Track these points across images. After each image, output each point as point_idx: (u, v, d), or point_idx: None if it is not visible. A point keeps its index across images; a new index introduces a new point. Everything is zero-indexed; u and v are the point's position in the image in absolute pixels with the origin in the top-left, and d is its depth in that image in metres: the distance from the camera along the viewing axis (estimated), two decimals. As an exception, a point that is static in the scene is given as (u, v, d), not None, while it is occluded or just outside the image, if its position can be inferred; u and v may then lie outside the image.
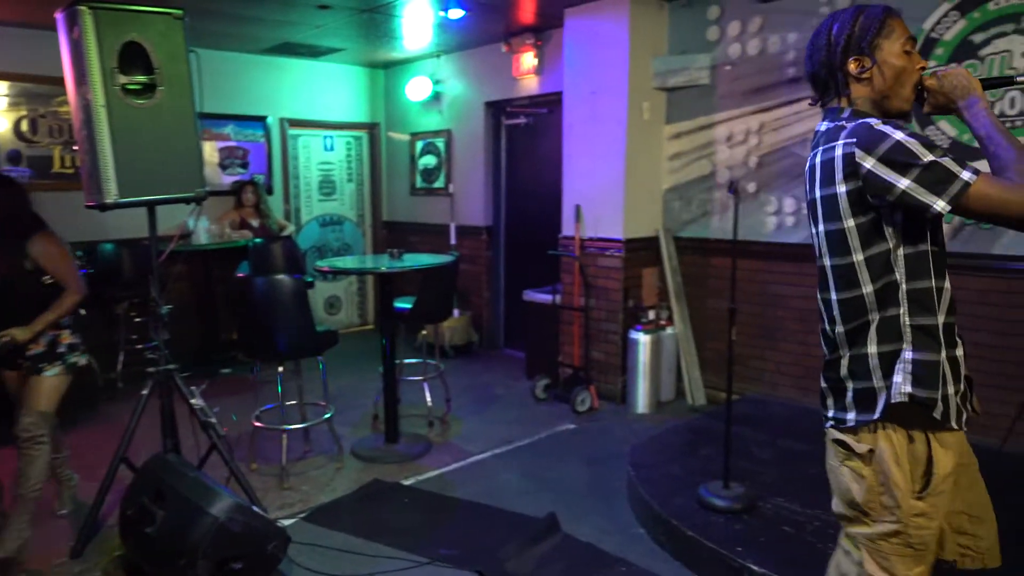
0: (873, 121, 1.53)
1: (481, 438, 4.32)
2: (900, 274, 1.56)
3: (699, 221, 4.90)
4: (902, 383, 1.53)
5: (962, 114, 1.58)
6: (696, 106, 4.83)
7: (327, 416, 3.97)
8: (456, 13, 4.95)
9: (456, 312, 6.23)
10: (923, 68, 1.65)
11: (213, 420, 3.14)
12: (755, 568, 2.61)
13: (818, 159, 1.62)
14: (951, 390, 1.55)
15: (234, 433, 4.11)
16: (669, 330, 4.86)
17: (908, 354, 1.55)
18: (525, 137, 6.19)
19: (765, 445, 3.76)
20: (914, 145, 1.46)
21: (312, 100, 6.88)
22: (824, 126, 1.67)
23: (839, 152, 1.54)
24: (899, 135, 1.48)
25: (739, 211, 4.54)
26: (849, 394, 1.63)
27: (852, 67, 1.63)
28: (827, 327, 1.69)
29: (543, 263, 5.48)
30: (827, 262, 1.64)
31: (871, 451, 1.58)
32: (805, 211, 2.96)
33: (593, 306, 5.01)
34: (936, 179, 1.44)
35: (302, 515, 3.35)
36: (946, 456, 1.55)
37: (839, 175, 1.55)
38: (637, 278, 4.92)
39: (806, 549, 2.73)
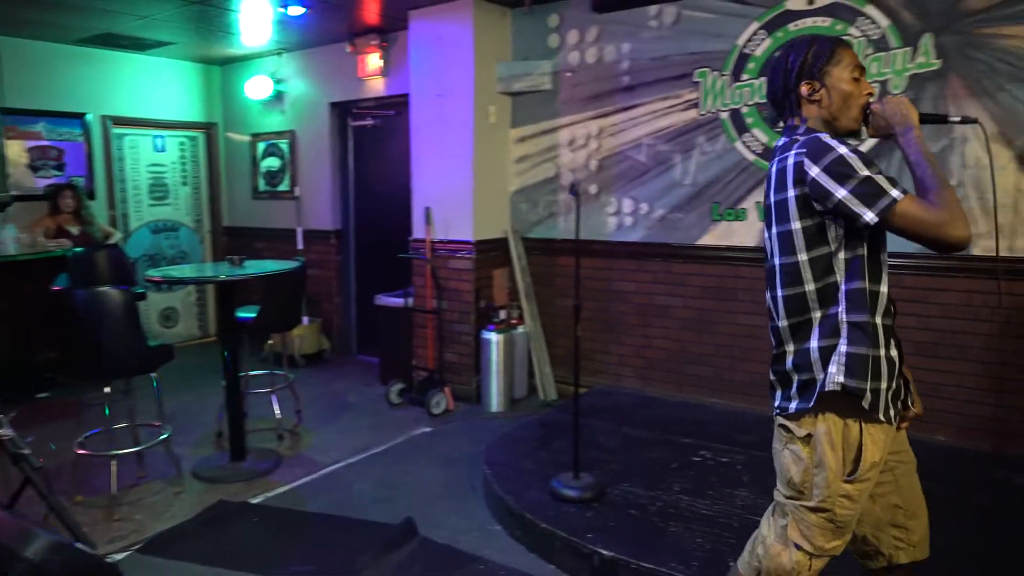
0: (824, 136, 1.70)
1: (334, 448, 4.21)
2: (840, 275, 1.71)
3: (545, 222, 5.07)
4: (836, 373, 1.68)
5: (898, 139, 1.74)
6: (540, 111, 4.99)
7: (163, 437, 3.70)
8: (296, 10, 4.79)
9: (305, 319, 6.02)
10: (870, 94, 1.81)
11: (26, 451, 2.82)
12: (604, 552, 2.74)
13: (774, 168, 1.78)
14: (883, 385, 1.69)
15: (54, 464, 3.72)
16: (520, 329, 4.98)
17: (843, 347, 1.69)
18: (373, 139, 6.10)
19: (612, 434, 3.95)
20: (854, 160, 1.62)
21: (139, 97, 6.38)
22: (782, 141, 1.83)
23: (791, 161, 1.70)
24: (843, 149, 1.64)
25: (581, 212, 4.77)
26: (794, 385, 1.77)
27: (804, 90, 1.80)
28: (774, 322, 1.83)
29: (395, 266, 5.43)
30: (776, 261, 1.80)
31: (809, 435, 1.73)
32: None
33: (446, 308, 5.03)
34: (869, 192, 1.60)
35: (136, 547, 3.10)
36: (874, 446, 1.70)
37: (790, 181, 1.70)
38: (488, 279, 5.01)
39: (651, 529, 2.90)
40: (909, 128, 1.71)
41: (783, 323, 1.79)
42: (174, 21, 5.14)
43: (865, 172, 1.61)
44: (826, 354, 1.71)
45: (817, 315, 1.74)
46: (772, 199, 1.78)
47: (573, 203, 3.25)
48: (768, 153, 4.12)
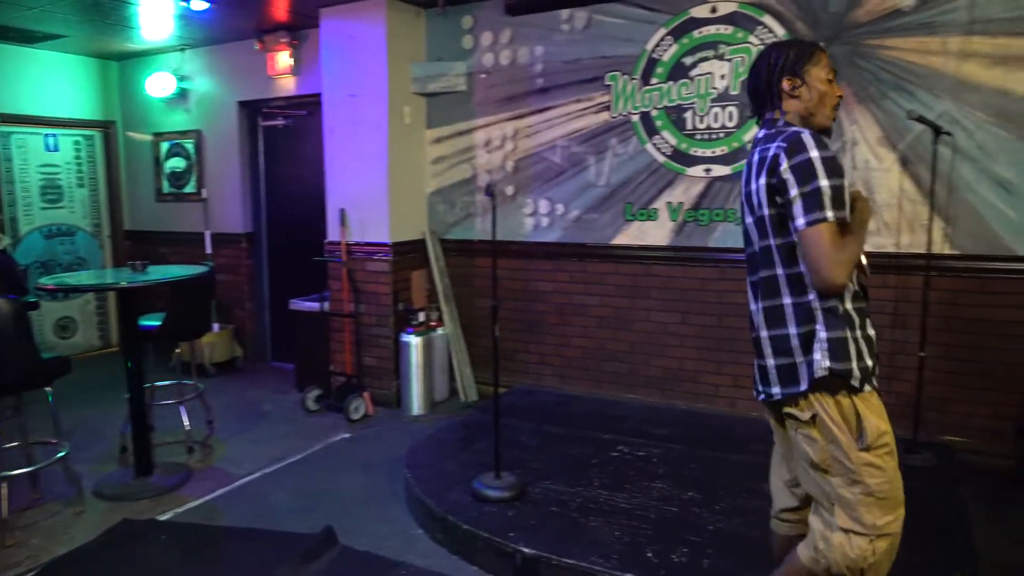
0: (804, 133, 1.78)
1: (249, 459, 4.07)
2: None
3: (463, 223, 5.07)
4: (821, 359, 1.77)
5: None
6: (455, 112, 4.99)
7: (60, 455, 3.48)
8: (200, 5, 4.60)
9: (216, 326, 5.80)
10: (841, 96, 1.94)
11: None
12: (526, 550, 2.77)
13: (755, 157, 1.88)
14: (868, 363, 1.80)
15: (-64, 488, 3.44)
16: (440, 331, 4.96)
17: (822, 333, 1.79)
18: (285, 139, 5.94)
19: (533, 433, 3.99)
20: (819, 165, 1.72)
21: (29, 93, 5.98)
22: (762, 133, 1.94)
23: (771, 152, 1.81)
24: (814, 153, 1.73)
25: (498, 213, 4.80)
26: (772, 371, 1.88)
27: (786, 85, 1.91)
28: (752, 306, 1.95)
29: (310, 270, 5.30)
30: (756, 247, 1.90)
31: (814, 416, 1.81)
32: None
33: (363, 311, 4.95)
34: (813, 201, 1.71)
35: (32, 574, 2.91)
36: (872, 413, 1.80)
37: (766, 169, 1.81)
38: (406, 281, 4.96)
39: (572, 525, 2.95)
40: (861, 225, 1.82)
41: (758, 306, 1.92)
42: (66, 12, 4.84)
43: (823, 182, 1.71)
44: (806, 340, 1.81)
45: (789, 300, 1.84)
46: (752, 186, 1.88)
47: (490, 204, 3.27)
48: (677, 155, 4.26)
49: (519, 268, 4.87)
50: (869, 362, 1.80)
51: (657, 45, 4.25)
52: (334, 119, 4.94)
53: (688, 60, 4.17)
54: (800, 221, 1.73)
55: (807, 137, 1.76)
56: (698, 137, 4.20)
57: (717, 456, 3.62)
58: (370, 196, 4.83)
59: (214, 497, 3.61)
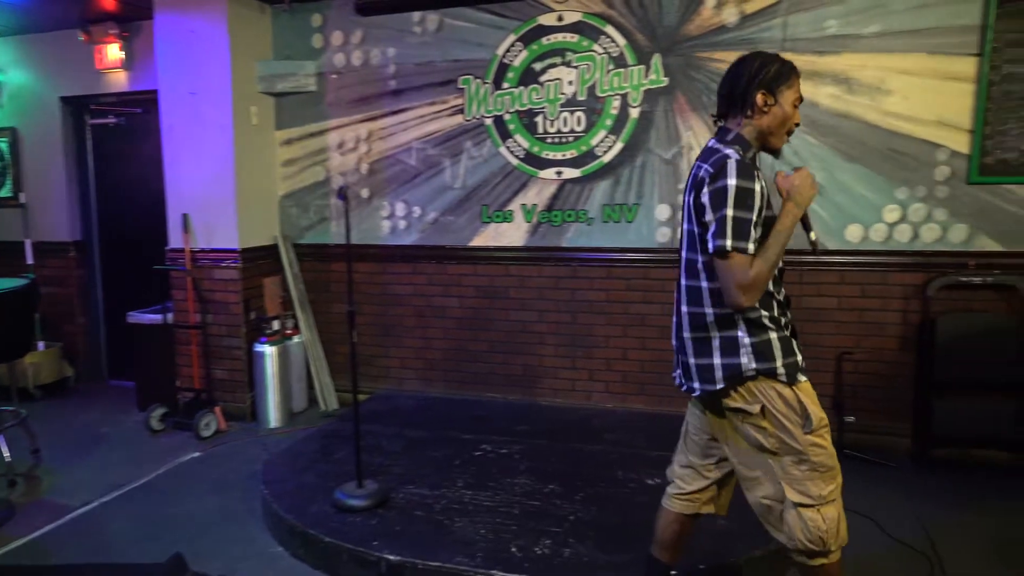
0: (732, 160, 1.87)
1: (84, 488, 3.73)
2: None
3: (317, 227, 4.93)
4: (748, 362, 1.94)
5: (785, 203, 1.93)
6: (306, 113, 4.84)
7: None
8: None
9: (41, 344, 5.27)
10: (798, 124, 2.03)
11: None
12: (391, 558, 2.74)
13: (694, 172, 1.99)
14: (796, 358, 1.96)
15: None
16: (296, 339, 4.80)
17: (746, 339, 1.94)
18: (118, 139, 5.48)
19: (395, 438, 3.96)
20: (732, 195, 1.84)
21: None
22: (712, 143, 2.04)
23: (701, 174, 1.93)
24: (732, 182, 1.84)
25: (352, 216, 4.73)
26: (693, 369, 2.04)
27: (759, 99, 1.97)
28: (681, 307, 2.06)
29: (150, 280, 4.93)
30: (684, 255, 2.05)
31: (763, 409, 1.95)
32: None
33: (211, 322, 4.68)
34: (721, 227, 1.85)
35: None
36: (811, 400, 1.95)
37: (695, 187, 1.94)
38: (258, 288, 4.75)
39: (436, 527, 2.95)
40: (798, 207, 1.94)
41: (684, 309, 2.05)
42: None
43: (730, 211, 1.84)
44: (727, 344, 1.97)
45: (711, 311, 1.98)
46: (688, 199, 2.00)
47: (344, 207, 3.20)
48: (530, 158, 4.38)
49: (377, 272, 4.80)
50: (797, 358, 1.97)
51: (508, 50, 4.35)
52: (173, 118, 4.64)
53: (538, 66, 4.30)
54: (709, 245, 1.89)
55: (732, 164, 1.86)
56: (549, 141, 4.34)
57: (575, 448, 3.76)
58: (216, 200, 4.58)
59: (43, 533, 3.28)
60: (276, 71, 4.73)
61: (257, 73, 4.71)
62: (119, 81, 5.20)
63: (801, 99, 2.05)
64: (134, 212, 5.44)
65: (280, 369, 4.60)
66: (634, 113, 4.16)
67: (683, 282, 2.06)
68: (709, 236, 1.88)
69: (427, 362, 4.79)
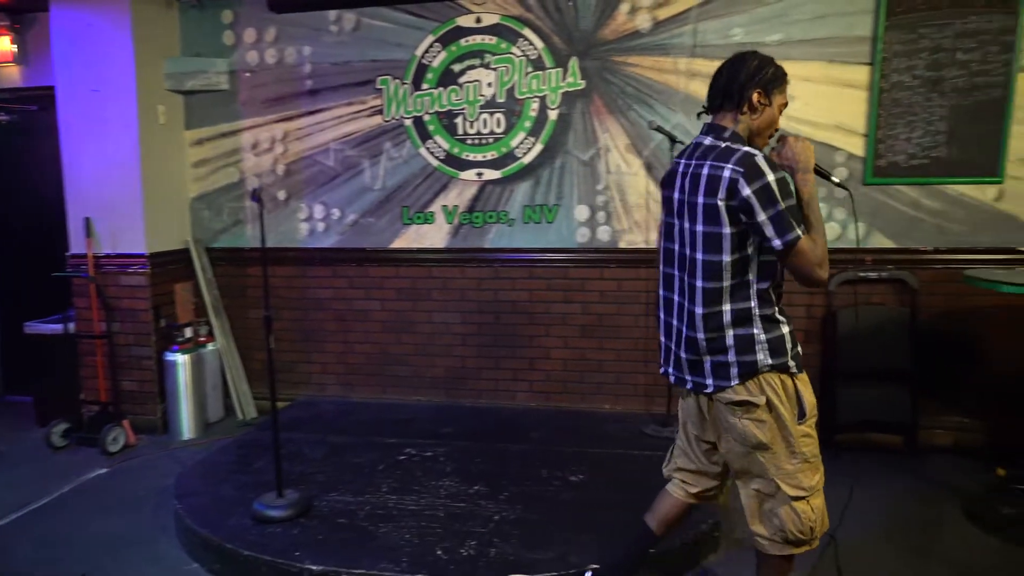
0: (759, 157, 1.93)
1: (-23, 511, 3.50)
2: (753, 275, 2.01)
3: (232, 230, 4.77)
4: (764, 359, 2.00)
5: (795, 176, 1.99)
6: (218, 112, 4.67)
7: None
8: None
9: (-74, 359, 4.89)
10: (777, 129, 2.12)
11: None
12: (313, 568, 2.69)
13: (705, 171, 1.99)
14: (799, 350, 2.07)
15: None
16: (210, 346, 4.63)
17: (762, 336, 2.01)
18: (9, 138, 5.14)
19: (317, 445, 3.88)
20: (777, 189, 1.90)
21: None
22: (708, 140, 2.06)
23: (727, 175, 1.93)
24: (771, 177, 1.90)
25: (268, 219, 4.61)
26: (707, 367, 2.07)
27: (755, 97, 2.03)
28: (691, 307, 2.08)
29: (50, 288, 4.65)
30: (700, 256, 2.03)
31: (768, 400, 2.01)
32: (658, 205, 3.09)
33: (118, 331, 4.46)
34: (782, 223, 1.90)
35: None
36: (807, 390, 2.05)
37: (722, 192, 1.94)
38: (168, 295, 4.56)
39: (360, 534, 2.91)
40: (807, 171, 2.01)
41: (700, 311, 2.05)
42: None
43: (782, 204, 1.90)
44: (743, 342, 2.02)
45: (728, 308, 2.02)
46: (700, 200, 2.00)
47: (259, 209, 3.11)
48: (451, 160, 4.38)
49: (296, 275, 4.69)
50: (800, 349, 2.07)
51: (426, 51, 4.33)
52: (73, 116, 4.39)
53: (456, 67, 4.30)
54: (777, 243, 1.92)
55: (762, 161, 1.92)
56: (469, 142, 4.35)
57: (500, 448, 3.79)
58: (121, 203, 4.36)
59: (-70, 563, 3.05)
60: (185, 68, 4.55)
61: (164, 70, 4.52)
62: (11, 76, 4.88)
63: (786, 104, 2.12)
64: (29, 216, 5.11)
65: (194, 378, 4.43)
66: (552, 115, 4.22)
67: (698, 283, 2.05)
68: (771, 234, 1.92)
69: (349, 367, 4.71)
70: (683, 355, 2.13)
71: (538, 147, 4.26)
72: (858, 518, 3.22)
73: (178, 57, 4.61)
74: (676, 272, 2.16)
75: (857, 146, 3.89)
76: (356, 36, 4.42)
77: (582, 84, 4.16)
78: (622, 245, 4.22)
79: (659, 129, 3.74)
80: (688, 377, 2.15)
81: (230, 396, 4.72)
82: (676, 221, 2.14)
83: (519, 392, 4.48)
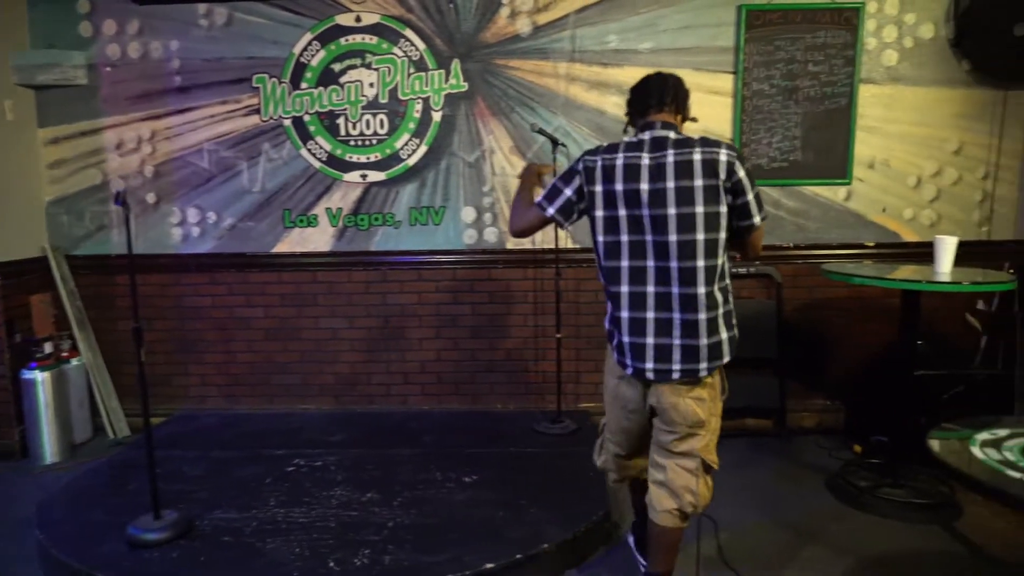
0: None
1: None
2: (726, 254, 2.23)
3: (96, 236, 4.45)
4: (735, 332, 2.25)
5: None
6: (76, 109, 4.34)
7: None
8: None
9: None
10: None
11: None
12: (196, 590, 2.57)
13: (697, 156, 2.14)
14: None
15: None
16: (75, 361, 4.30)
17: (731, 309, 2.26)
18: None
19: (197, 461, 3.70)
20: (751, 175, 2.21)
21: None
22: (672, 134, 2.21)
23: (724, 158, 2.13)
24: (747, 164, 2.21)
25: (137, 223, 4.35)
26: (703, 349, 2.18)
27: (688, 112, 2.35)
28: (681, 290, 2.16)
29: None
30: (699, 236, 2.14)
31: (712, 384, 2.26)
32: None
33: (-35, 349, 4.07)
34: (760, 202, 2.21)
35: None
36: (725, 376, 2.33)
37: (723, 174, 2.13)
38: (23, 307, 4.19)
39: (247, 552, 2.80)
40: None
41: (701, 290, 2.15)
42: None
43: (756, 188, 2.22)
44: (729, 318, 2.25)
45: (719, 286, 2.19)
46: (700, 183, 2.13)
47: (129, 214, 2.92)
48: (333, 161, 4.28)
49: (170, 283, 4.44)
50: None
51: (305, 49, 4.21)
52: (-101, 113, 3.95)
53: (337, 67, 4.21)
54: (758, 220, 2.21)
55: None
56: (352, 143, 4.27)
57: (393, 453, 3.75)
58: (-37, 208, 3.97)
59: None
60: (35, 61, 4.20)
61: (11, 62, 4.14)
62: None
63: None
64: None
65: (56, 397, 4.10)
66: (436, 117, 4.22)
67: (699, 264, 2.14)
68: (754, 211, 2.20)
69: (231, 377, 4.52)
70: (677, 342, 2.18)
71: (423, 149, 4.25)
72: (735, 500, 3.45)
73: (28, 50, 4.24)
74: (650, 263, 2.18)
75: (725, 149, 4.15)
76: (229, 31, 4.23)
77: (465, 86, 4.19)
78: (509, 246, 4.28)
79: (541, 132, 3.82)
80: (676, 367, 2.19)
81: (99, 414, 4.41)
82: (644, 211, 2.17)
83: (411, 396, 4.45)
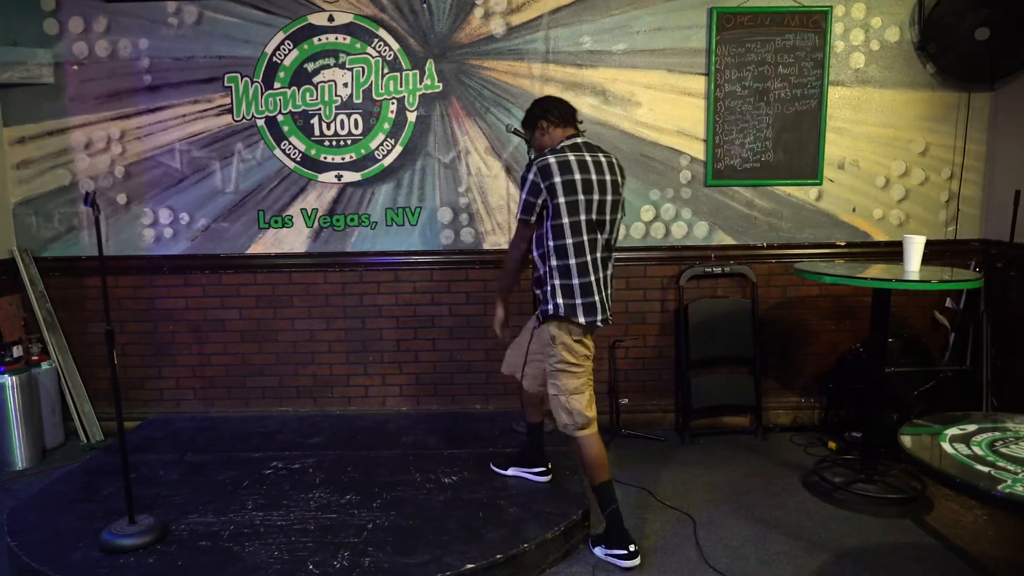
0: None
1: None
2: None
3: (65, 238, 4.37)
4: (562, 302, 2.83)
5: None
6: (43, 108, 4.26)
7: None
8: None
9: None
10: None
11: None
12: (173, 597, 2.55)
13: (613, 160, 2.91)
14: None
15: None
16: (45, 365, 4.22)
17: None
18: None
19: (173, 465, 3.66)
20: None
21: None
22: (583, 141, 2.90)
23: (616, 163, 2.94)
24: None
25: (108, 225, 4.29)
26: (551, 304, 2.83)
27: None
28: (611, 255, 2.94)
29: None
30: (617, 217, 2.93)
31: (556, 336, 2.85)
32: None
33: (-70, 354, 3.97)
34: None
35: None
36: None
37: (620, 173, 2.94)
38: (-9, 312, 4.12)
39: (225, 556, 2.78)
40: None
41: (610, 271, 2.93)
42: None
43: None
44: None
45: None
46: (618, 178, 2.89)
47: (99, 216, 2.88)
48: (308, 161, 4.25)
49: (143, 285, 4.38)
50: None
51: (277, 49, 4.17)
52: None
53: (310, 66, 4.18)
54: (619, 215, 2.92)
55: None
56: (327, 144, 4.24)
57: (372, 455, 3.75)
58: (-74, 211, 3.88)
59: None
60: (1, 59, 4.11)
61: (-26, 61, 4.06)
62: None
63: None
64: None
65: (26, 402, 4.03)
66: (411, 117, 4.21)
67: (615, 236, 2.92)
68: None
69: (207, 380, 4.47)
70: (608, 293, 2.89)
71: (398, 149, 4.23)
72: (713, 497, 3.50)
73: (-9, 47, 4.15)
74: (598, 236, 2.82)
75: (698, 150, 4.19)
76: (199, 30, 4.18)
77: (439, 87, 4.18)
78: (486, 247, 4.29)
79: (517, 132, 3.82)
80: (608, 313, 2.88)
81: (71, 419, 4.34)
82: (596, 196, 2.78)
83: (389, 397, 4.44)
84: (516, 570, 2.78)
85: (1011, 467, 2.19)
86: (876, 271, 3.39)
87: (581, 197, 2.74)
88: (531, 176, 2.78)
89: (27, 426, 4.04)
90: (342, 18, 4.14)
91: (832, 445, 4.02)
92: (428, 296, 4.33)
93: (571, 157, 2.77)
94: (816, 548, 3.00)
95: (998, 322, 3.94)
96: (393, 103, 4.20)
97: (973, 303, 4.11)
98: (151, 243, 4.36)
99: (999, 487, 2.04)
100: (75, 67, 4.23)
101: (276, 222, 4.31)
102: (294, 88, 4.19)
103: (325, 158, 4.26)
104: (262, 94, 4.21)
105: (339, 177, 4.27)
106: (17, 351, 4.13)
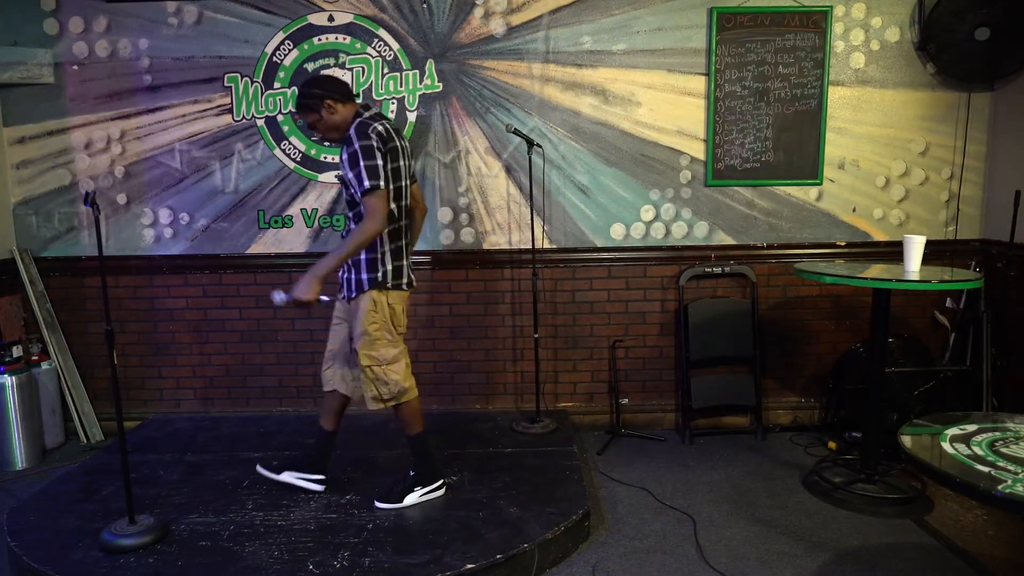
0: None
1: None
2: None
3: (65, 238, 4.37)
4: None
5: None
6: (43, 108, 4.26)
7: None
8: None
9: None
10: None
11: None
12: (173, 597, 2.55)
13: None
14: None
15: None
16: (45, 365, 4.22)
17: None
18: None
19: (173, 465, 3.66)
20: None
21: None
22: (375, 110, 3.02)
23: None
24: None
25: (108, 225, 4.29)
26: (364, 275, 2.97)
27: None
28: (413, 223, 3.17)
29: None
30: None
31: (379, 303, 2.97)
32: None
33: (-70, 354, 3.97)
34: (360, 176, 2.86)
35: None
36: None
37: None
38: (-9, 312, 4.12)
39: (226, 556, 2.79)
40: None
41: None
42: None
43: None
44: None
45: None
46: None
47: (99, 216, 2.88)
48: (308, 161, 4.26)
49: (143, 285, 4.38)
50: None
51: (277, 49, 4.17)
52: None
53: (310, 66, 4.18)
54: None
55: None
56: (327, 143, 4.23)
57: (371, 455, 3.75)
58: (-74, 211, 3.88)
59: None
60: (1, 59, 4.10)
61: (-26, 61, 4.06)
62: None
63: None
64: None
65: (26, 402, 4.03)
66: (411, 117, 4.21)
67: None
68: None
69: (207, 380, 4.47)
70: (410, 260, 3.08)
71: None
72: (713, 497, 3.50)
73: (-9, 47, 4.15)
74: (404, 204, 2.98)
75: (698, 150, 4.19)
76: (199, 30, 4.18)
77: (439, 87, 4.18)
78: (486, 247, 4.29)
79: (517, 132, 3.83)
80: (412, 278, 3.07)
81: (71, 419, 4.34)
82: (404, 162, 2.97)
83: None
84: (516, 570, 2.78)
85: (1011, 467, 2.19)
86: (876, 271, 3.39)
87: (401, 162, 2.93)
88: (368, 141, 2.81)
89: (27, 426, 4.04)
90: (342, 18, 4.14)
91: (832, 445, 4.02)
92: (428, 296, 4.33)
93: (386, 125, 2.92)
94: (816, 548, 3.01)
95: (998, 322, 3.94)
96: (393, 103, 4.20)
97: (973, 303, 4.11)
98: (151, 243, 4.36)
99: (999, 487, 2.04)
100: (75, 67, 4.23)
101: (276, 222, 4.31)
102: (294, 88, 4.19)
103: (325, 158, 4.26)
104: (262, 94, 4.21)
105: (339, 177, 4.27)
106: (17, 351, 4.13)
